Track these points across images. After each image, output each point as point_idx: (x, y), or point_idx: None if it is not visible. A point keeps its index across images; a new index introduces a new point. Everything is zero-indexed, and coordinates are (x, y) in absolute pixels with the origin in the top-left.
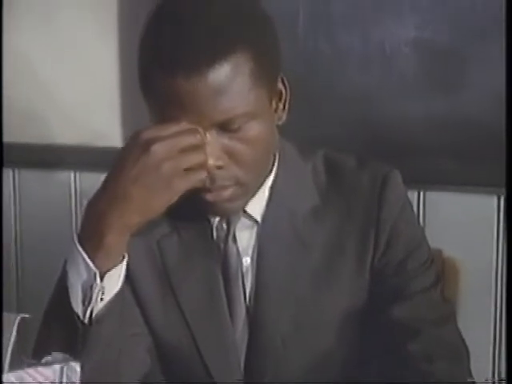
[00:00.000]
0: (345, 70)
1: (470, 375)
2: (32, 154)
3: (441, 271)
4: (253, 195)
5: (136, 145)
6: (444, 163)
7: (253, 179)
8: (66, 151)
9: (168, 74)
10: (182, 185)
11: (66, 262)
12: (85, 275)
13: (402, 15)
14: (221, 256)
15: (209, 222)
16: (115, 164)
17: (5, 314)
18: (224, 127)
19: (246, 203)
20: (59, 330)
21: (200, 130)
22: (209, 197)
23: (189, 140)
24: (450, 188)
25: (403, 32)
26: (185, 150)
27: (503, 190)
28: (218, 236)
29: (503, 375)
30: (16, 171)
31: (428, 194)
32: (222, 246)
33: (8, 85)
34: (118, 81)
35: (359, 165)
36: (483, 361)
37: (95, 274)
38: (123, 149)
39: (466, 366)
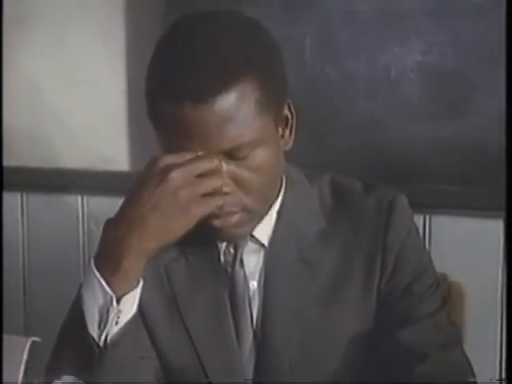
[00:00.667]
0: (351, 95)
1: None
2: (40, 177)
3: (446, 295)
4: (260, 220)
5: (154, 171)
6: (450, 187)
7: (259, 205)
8: (74, 175)
9: (175, 103)
10: (200, 211)
11: (81, 285)
12: (101, 298)
13: (408, 41)
14: (228, 280)
15: (216, 246)
16: (133, 190)
17: (15, 338)
18: (231, 155)
19: (254, 228)
20: (73, 352)
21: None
22: (216, 222)
23: (205, 165)
24: (456, 212)
25: (409, 57)
26: (201, 176)
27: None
28: (225, 260)
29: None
30: (24, 195)
31: (434, 217)
32: (229, 270)
33: (17, 110)
34: (125, 106)
35: (365, 189)
36: None
37: (112, 298)
38: (141, 175)
39: None
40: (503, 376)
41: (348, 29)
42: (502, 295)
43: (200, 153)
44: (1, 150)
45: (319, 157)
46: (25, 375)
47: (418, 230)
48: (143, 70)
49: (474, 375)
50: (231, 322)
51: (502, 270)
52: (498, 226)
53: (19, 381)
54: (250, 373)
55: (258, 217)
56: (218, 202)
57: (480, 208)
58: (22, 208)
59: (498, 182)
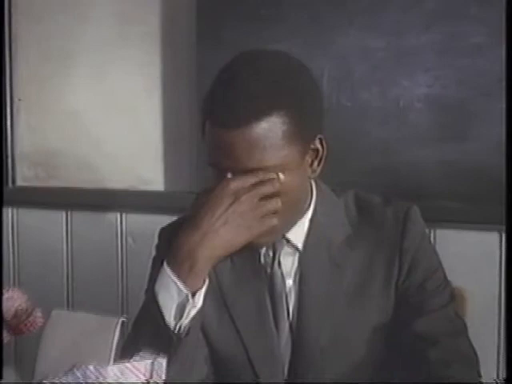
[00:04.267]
0: (365, 122)
1: (481, 382)
2: (83, 197)
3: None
4: (293, 225)
5: (227, 193)
6: (453, 204)
7: (283, 222)
8: (114, 195)
9: (217, 127)
10: (260, 228)
11: (153, 283)
12: (176, 295)
13: (415, 75)
14: (267, 278)
15: (257, 250)
16: (205, 205)
17: (106, 318)
18: None
19: (283, 235)
20: (149, 339)
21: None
22: None
23: (269, 190)
24: (458, 226)
25: (416, 89)
26: (264, 198)
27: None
28: (265, 261)
29: None
30: (68, 213)
31: (438, 231)
32: (268, 270)
33: (63, 137)
34: (161, 132)
35: (384, 202)
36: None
37: (187, 295)
38: (214, 195)
39: (477, 371)
40: (501, 375)
41: (362, 64)
42: (499, 300)
43: (261, 176)
44: (1, 170)
45: (336, 178)
46: (116, 350)
47: (429, 237)
48: (177, 100)
49: (477, 360)
50: (271, 314)
51: (500, 278)
52: (495, 238)
53: (111, 358)
54: (287, 358)
55: (280, 231)
56: (273, 222)
57: (479, 222)
58: (67, 224)
59: (495, 200)
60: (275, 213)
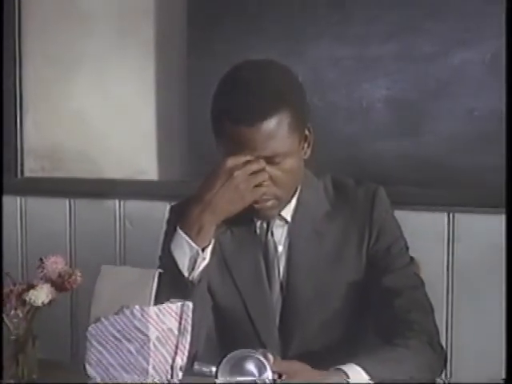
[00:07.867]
0: (334, 120)
1: (435, 325)
2: (85, 186)
3: None
4: (285, 205)
5: (223, 170)
6: (408, 189)
7: (285, 195)
8: (113, 184)
9: (233, 125)
10: (251, 197)
11: (169, 246)
12: (188, 251)
13: (376, 79)
14: (262, 246)
15: (253, 222)
16: (207, 181)
17: (146, 270)
18: (269, 160)
19: (281, 210)
20: (169, 287)
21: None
22: (257, 206)
23: (257, 167)
24: (413, 208)
25: (377, 92)
26: (253, 173)
27: (454, 209)
28: (260, 232)
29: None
30: (71, 200)
31: (396, 212)
32: (263, 239)
33: (67, 133)
34: (155, 128)
35: (356, 183)
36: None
37: (198, 251)
38: (213, 171)
39: (432, 317)
40: (449, 326)
41: (331, 70)
42: (447, 269)
43: (250, 157)
44: (1, 164)
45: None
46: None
47: (392, 211)
48: (169, 101)
49: (432, 309)
50: (265, 275)
51: (448, 250)
52: (444, 218)
53: (151, 302)
54: (278, 311)
55: (283, 203)
56: (262, 190)
57: (431, 204)
58: (70, 211)
59: (446, 186)
60: (263, 185)
